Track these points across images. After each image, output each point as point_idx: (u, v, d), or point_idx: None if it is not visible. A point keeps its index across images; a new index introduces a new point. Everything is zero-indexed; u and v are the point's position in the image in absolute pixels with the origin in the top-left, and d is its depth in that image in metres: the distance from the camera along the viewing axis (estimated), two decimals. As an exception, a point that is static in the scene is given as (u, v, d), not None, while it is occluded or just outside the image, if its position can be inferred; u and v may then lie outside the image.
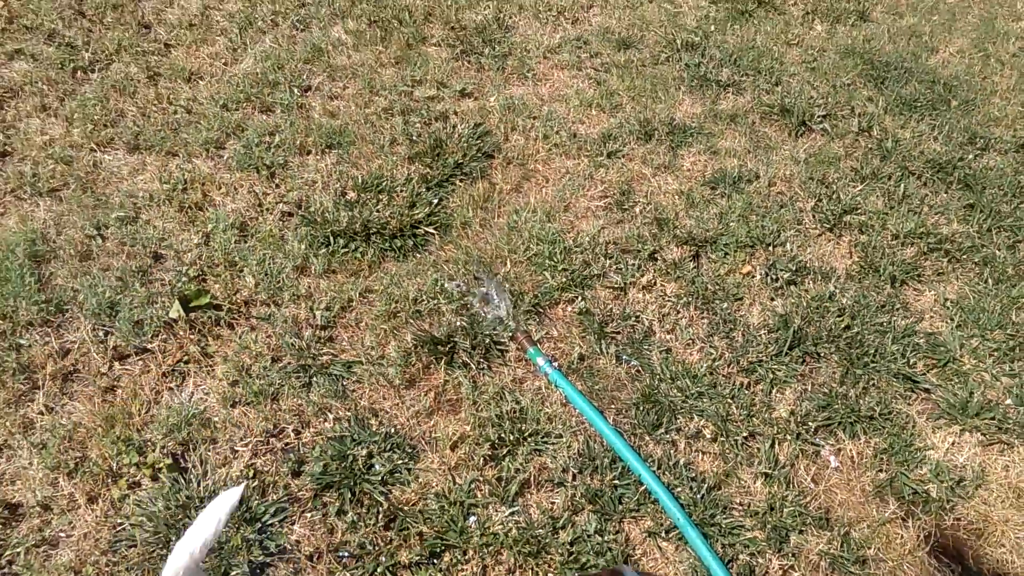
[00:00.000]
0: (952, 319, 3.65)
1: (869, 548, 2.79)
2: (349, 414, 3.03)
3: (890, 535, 2.85)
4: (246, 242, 3.71)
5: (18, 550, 2.59)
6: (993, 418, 3.21)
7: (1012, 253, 4.03)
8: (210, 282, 3.50)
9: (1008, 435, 3.17)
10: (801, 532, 2.81)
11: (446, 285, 3.51)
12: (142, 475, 2.80)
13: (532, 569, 2.63)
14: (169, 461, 2.82)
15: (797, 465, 3.02)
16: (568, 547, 2.68)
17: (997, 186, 4.46)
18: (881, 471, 3.03)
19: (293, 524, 2.72)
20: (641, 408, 3.13)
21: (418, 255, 3.73)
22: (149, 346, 3.23)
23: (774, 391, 3.24)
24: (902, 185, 4.37)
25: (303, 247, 3.66)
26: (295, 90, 4.71)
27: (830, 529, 2.83)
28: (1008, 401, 3.31)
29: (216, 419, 3.00)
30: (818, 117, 4.87)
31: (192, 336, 3.26)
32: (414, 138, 4.37)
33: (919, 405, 3.27)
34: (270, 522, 2.70)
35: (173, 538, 2.60)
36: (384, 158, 4.23)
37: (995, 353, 3.50)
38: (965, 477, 3.03)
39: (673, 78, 5.15)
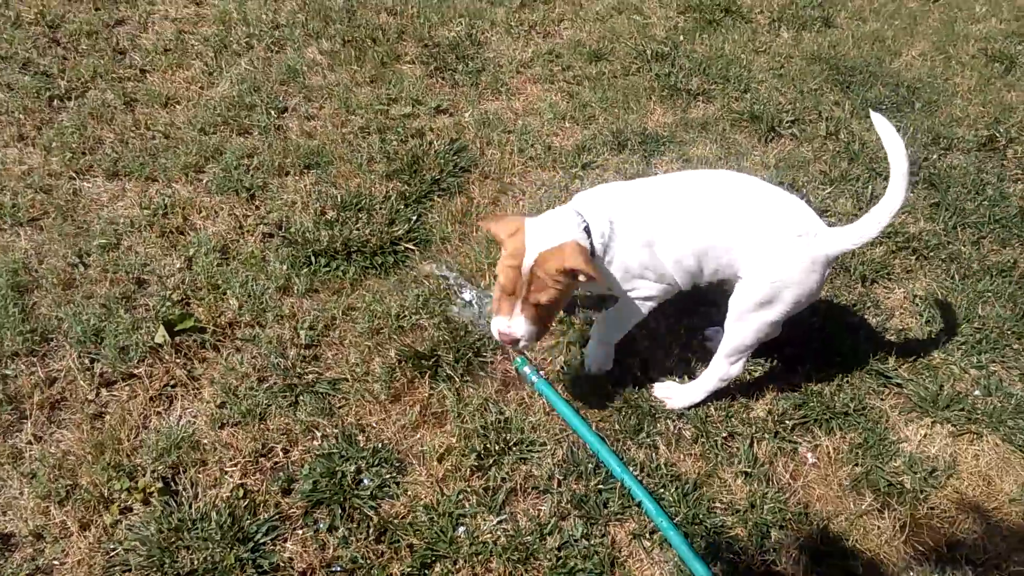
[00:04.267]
0: (921, 315, 3.74)
1: (847, 540, 2.87)
2: (336, 431, 3.08)
3: (867, 527, 2.93)
4: (228, 264, 3.76)
5: (13, 578, 2.62)
6: (963, 409, 3.30)
7: (976, 249, 4.14)
8: (194, 305, 3.54)
9: (977, 425, 3.26)
10: (782, 527, 2.88)
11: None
12: (134, 500, 2.83)
13: (521, 574, 2.68)
14: (160, 485, 2.86)
15: (776, 463, 3.09)
16: (556, 552, 2.73)
17: (961, 184, 4.58)
18: (857, 465, 3.11)
19: (285, 541, 2.76)
20: (622, 413, 3.20)
21: (399, 271, 3.79)
22: (136, 371, 3.27)
23: (752, 391, 3.32)
24: (870, 186, 4.48)
25: (285, 267, 3.71)
26: (272, 112, 4.77)
27: (809, 523, 2.91)
28: (976, 392, 3.41)
29: (205, 441, 3.04)
30: (786, 122, 4.98)
31: (178, 360, 3.30)
32: (391, 155, 4.44)
33: (891, 400, 3.36)
34: (262, 540, 2.74)
35: (167, 561, 2.64)
36: (362, 176, 4.30)
37: (963, 347, 3.59)
38: (937, 467, 3.11)
39: (644, 88, 5.24)
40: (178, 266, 3.72)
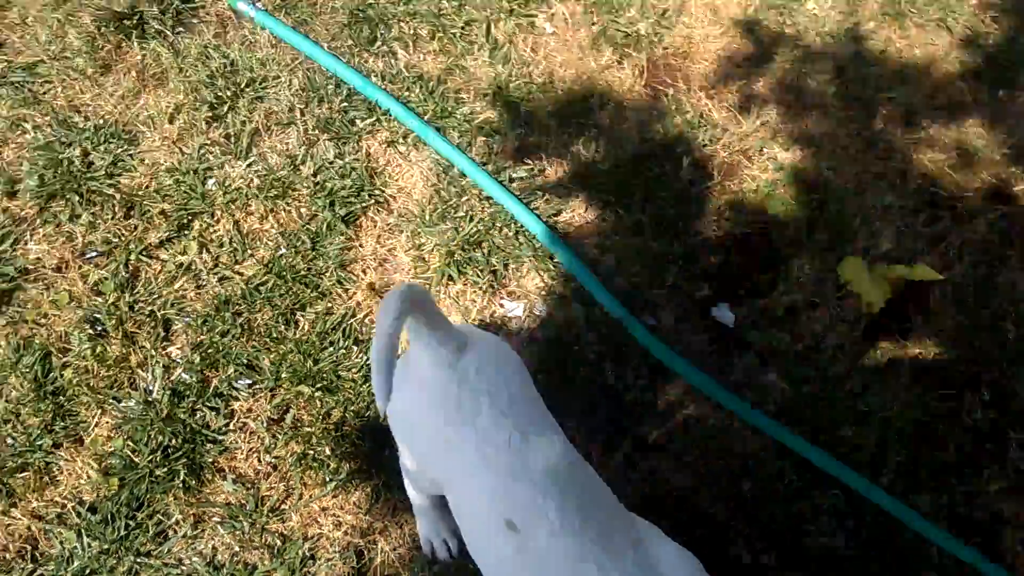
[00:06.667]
0: None
1: (592, 97, 2.95)
2: (48, 119, 2.79)
3: (609, 80, 3.01)
4: None
5: None
6: (691, -61, 3.30)
7: None
8: None
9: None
10: (529, 101, 2.92)
11: None
12: None
13: (283, 209, 2.65)
14: None
15: (515, 40, 3.05)
16: (312, 179, 2.70)
17: None
18: (594, 24, 3.12)
19: (27, 244, 2.59)
20: (353, 27, 3.02)
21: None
22: None
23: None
24: None
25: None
26: None
27: (555, 90, 2.96)
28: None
29: (-101, 166, 2.70)
30: None
31: None
32: None
33: (620, -50, 3.31)
34: (1, 250, 2.56)
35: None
36: None
37: None
38: (668, 8, 3.16)
39: None
40: None
